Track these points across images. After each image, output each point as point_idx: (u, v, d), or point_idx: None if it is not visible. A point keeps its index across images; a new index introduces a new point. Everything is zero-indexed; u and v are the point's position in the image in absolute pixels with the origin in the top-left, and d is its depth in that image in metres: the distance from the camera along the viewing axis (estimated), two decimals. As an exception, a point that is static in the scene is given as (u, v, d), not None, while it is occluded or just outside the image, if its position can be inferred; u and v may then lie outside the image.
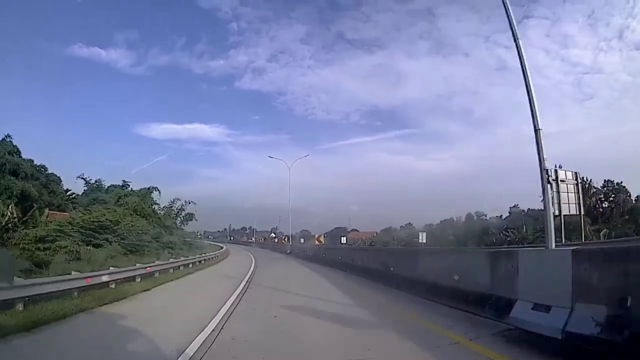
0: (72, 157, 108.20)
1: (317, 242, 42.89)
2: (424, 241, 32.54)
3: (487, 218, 48.92)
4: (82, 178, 39.76)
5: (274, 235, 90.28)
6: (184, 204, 36.20)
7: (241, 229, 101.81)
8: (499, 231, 34.68)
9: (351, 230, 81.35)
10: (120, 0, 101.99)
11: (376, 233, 66.55)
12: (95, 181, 40.97)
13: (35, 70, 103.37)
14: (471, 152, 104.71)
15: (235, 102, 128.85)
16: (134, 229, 21.72)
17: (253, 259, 28.66)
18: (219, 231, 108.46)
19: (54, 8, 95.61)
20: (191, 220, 45.94)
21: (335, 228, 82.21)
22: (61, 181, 38.72)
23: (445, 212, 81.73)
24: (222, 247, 39.55)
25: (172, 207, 36.80)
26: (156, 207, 34.74)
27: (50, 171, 37.91)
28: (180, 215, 36.81)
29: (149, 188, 35.72)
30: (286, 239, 62.49)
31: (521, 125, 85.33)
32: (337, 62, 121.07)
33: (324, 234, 59.17)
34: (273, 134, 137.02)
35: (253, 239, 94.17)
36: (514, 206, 44.43)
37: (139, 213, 26.89)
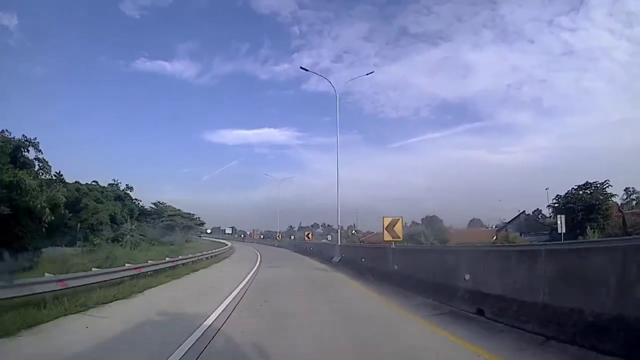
0: (144, 170, 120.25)
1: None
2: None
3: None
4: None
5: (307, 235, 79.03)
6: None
7: (312, 225, 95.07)
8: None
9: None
10: (178, 13, 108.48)
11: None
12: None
13: (103, 87, 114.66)
14: (543, 143, 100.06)
15: (303, 105, 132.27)
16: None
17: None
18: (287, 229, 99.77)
19: (114, 26, 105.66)
20: (202, 225, 73.29)
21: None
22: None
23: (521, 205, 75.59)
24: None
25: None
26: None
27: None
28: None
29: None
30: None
31: (591, 112, 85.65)
32: (402, 58, 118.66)
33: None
34: (343, 134, 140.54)
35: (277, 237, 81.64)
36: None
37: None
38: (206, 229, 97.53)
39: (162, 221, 56.77)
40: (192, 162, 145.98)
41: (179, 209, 64.52)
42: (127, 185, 58.87)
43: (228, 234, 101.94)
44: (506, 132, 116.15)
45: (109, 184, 55.56)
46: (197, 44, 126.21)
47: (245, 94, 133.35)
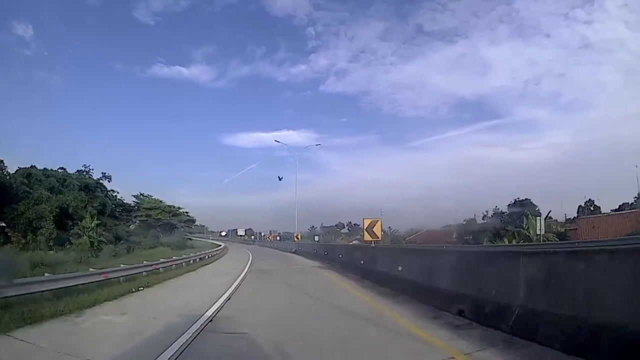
0: (161, 175, 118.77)
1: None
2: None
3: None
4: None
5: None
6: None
7: (335, 225, 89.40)
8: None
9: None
10: (192, 18, 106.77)
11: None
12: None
13: (119, 94, 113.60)
14: (562, 139, 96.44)
15: (321, 106, 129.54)
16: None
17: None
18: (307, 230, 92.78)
19: (129, 33, 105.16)
20: (192, 222, 66.01)
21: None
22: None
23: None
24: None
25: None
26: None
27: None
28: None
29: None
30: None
31: (608, 105, 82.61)
32: (419, 56, 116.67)
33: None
34: (361, 135, 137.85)
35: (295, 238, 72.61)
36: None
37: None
38: (220, 231, 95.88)
39: (135, 218, 48.55)
40: (211, 165, 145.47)
41: (160, 201, 53.99)
42: (103, 174, 50.24)
43: (241, 235, 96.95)
44: (525, 128, 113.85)
45: (78, 171, 47.46)
46: (213, 48, 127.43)
47: (262, 96, 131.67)
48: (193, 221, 67.65)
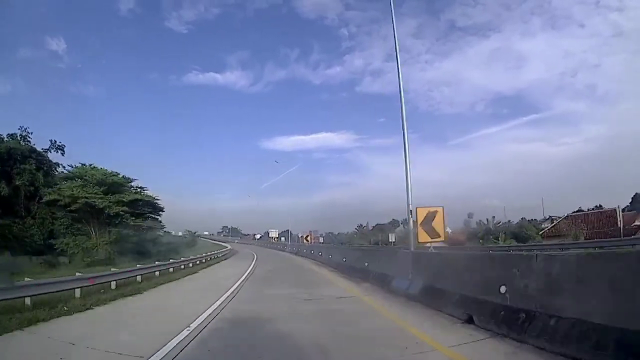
0: (200, 179, 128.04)
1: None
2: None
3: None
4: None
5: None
6: None
7: (390, 222, 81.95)
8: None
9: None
10: (225, 24, 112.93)
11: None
12: None
13: (155, 102, 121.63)
14: (600, 131, 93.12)
15: (359, 107, 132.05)
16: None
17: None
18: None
19: (162, 42, 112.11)
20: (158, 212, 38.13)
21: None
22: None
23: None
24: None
25: None
26: None
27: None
28: None
29: None
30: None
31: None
32: (454, 53, 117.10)
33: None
34: (400, 135, 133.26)
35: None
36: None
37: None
38: (255, 234, 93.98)
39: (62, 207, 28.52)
40: (251, 169, 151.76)
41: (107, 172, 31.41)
42: (52, 142, 33.39)
43: (274, 238, 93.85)
44: (564, 122, 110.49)
45: (9, 135, 31.60)
46: (246, 53, 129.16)
47: (299, 99, 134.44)
48: (160, 209, 37.79)
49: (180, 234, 75.08)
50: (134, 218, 30.76)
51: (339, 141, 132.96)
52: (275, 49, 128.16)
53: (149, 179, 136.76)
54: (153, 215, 36.99)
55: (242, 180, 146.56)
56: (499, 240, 39.41)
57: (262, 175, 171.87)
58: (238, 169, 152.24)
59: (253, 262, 25.36)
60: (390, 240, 53.81)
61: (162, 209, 37.84)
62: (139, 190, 33.50)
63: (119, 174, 32.42)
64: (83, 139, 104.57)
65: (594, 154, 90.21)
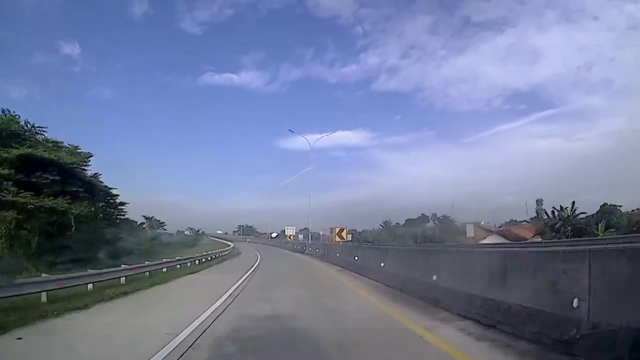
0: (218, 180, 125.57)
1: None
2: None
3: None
4: None
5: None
6: None
7: (420, 216, 76.30)
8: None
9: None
10: (239, 25, 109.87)
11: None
12: None
13: (171, 104, 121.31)
14: (617, 126, 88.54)
15: (375, 105, 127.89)
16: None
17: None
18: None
19: (177, 44, 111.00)
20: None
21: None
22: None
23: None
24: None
25: None
26: None
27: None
28: None
29: None
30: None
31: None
32: (469, 48, 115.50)
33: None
34: (416, 132, 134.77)
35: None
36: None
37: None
38: (271, 233, 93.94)
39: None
40: (268, 169, 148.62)
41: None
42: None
43: (289, 235, 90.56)
44: (580, 117, 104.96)
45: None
46: (262, 53, 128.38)
47: (315, 98, 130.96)
48: (120, 204, 32.22)
49: (186, 232, 76.70)
50: (32, 193, 19.75)
51: (355, 139, 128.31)
52: (290, 48, 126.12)
53: (169, 182, 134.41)
54: (105, 206, 28.82)
55: (259, 180, 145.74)
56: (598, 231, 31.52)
57: (280, 175, 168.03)
58: (255, 170, 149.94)
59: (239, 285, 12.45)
60: (468, 236, 35.57)
61: (119, 202, 31.73)
62: (81, 166, 24.46)
63: (19, 120, 23.42)
64: (101, 143, 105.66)
65: (610, 149, 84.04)
